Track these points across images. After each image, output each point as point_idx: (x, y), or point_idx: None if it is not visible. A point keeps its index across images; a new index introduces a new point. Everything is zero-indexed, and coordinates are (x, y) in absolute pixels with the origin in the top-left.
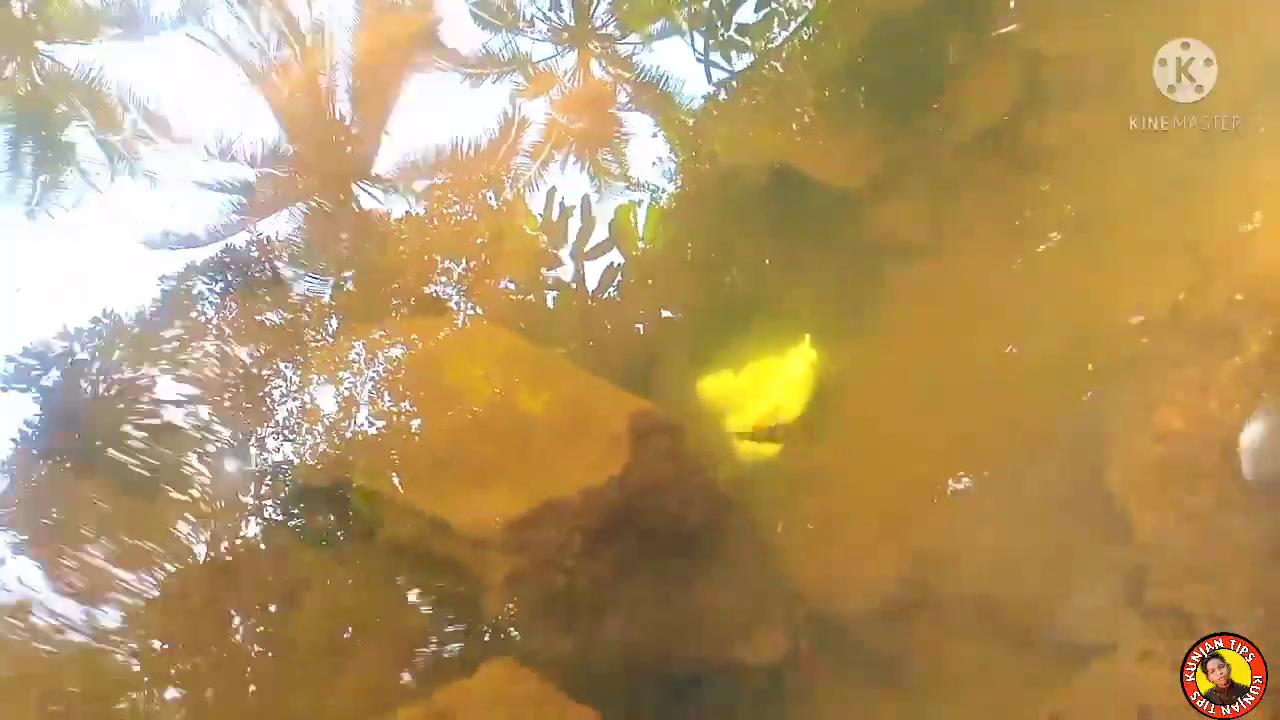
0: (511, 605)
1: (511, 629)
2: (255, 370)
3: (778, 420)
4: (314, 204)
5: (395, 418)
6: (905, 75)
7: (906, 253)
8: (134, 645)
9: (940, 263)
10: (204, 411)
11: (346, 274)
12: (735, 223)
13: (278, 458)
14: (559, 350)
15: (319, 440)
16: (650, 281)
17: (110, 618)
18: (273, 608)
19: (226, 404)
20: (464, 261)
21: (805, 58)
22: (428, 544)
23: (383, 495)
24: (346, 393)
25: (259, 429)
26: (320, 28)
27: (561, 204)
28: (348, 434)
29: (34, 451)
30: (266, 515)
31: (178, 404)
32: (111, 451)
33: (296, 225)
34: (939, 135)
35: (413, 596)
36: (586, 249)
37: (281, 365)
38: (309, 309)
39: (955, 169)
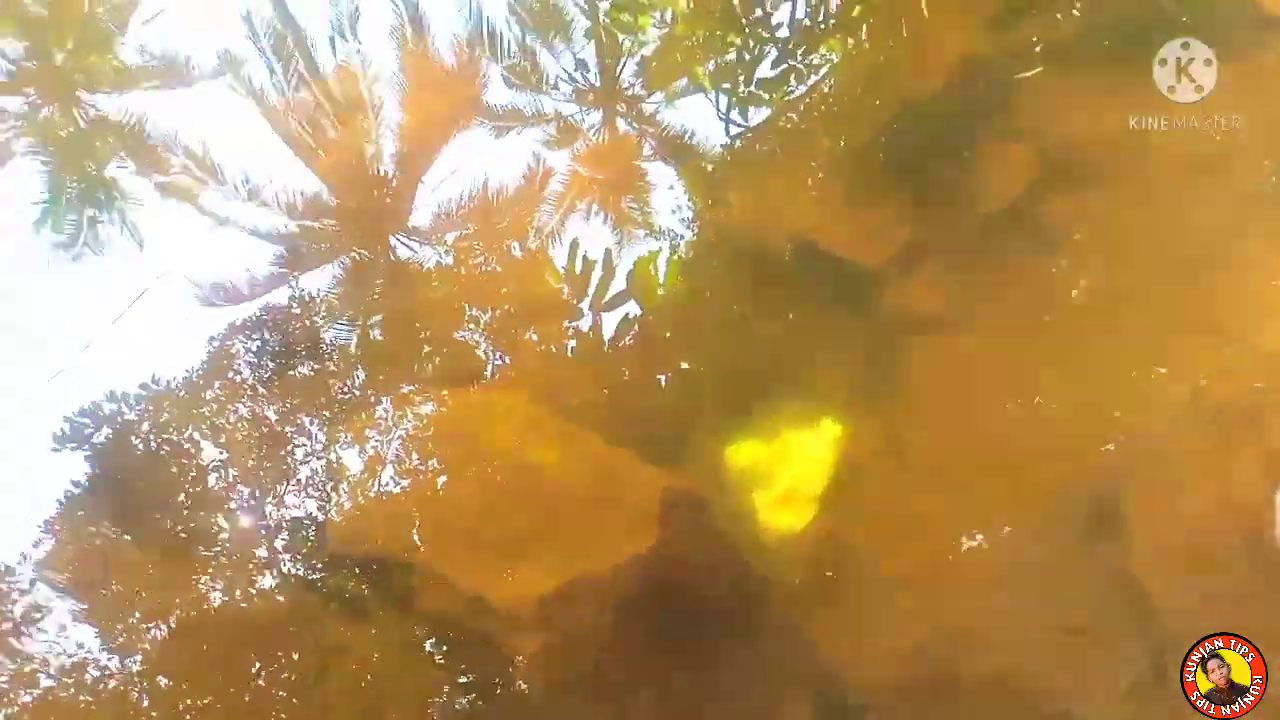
0: (543, 681)
1: (542, 704)
2: (282, 428)
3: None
4: (354, 256)
5: (428, 488)
6: (927, 156)
7: (926, 327)
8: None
9: (960, 338)
10: (240, 472)
11: (373, 319)
12: (759, 295)
13: (310, 520)
14: (586, 406)
15: (353, 503)
16: (668, 334)
17: (142, 668)
18: (300, 674)
19: (264, 465)
20: (491, 311)
21: (822, 108)
22: (462, 617)
23: (419, 567)
24: (374, 453)
25: (300, 491)
26: (365, 90)
27: (584, 256)
28: (384, 500)
29: (82, 513)
30: (305, 579)
31: (214, 465)
32: (156, 515)
33: (335, 278)
34: (960, 213)
35: (444, 668)
36: (607, 300)
37: (308, 423)
38: (339, 362)
39: (976, 246)
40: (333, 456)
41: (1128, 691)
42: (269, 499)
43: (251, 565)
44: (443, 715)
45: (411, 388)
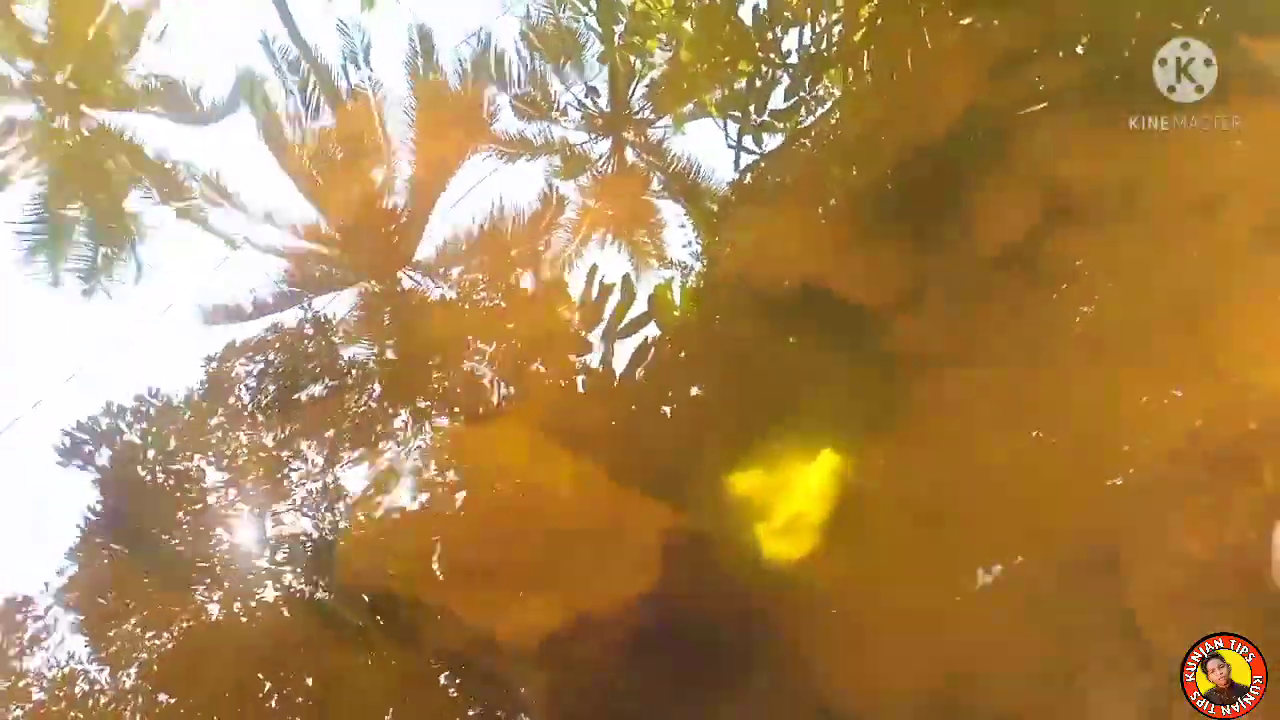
0: (548, 716)
1: None
2: (284, 454)
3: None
4: (364, 288)
5: (434, 520)
6: (930, 195)
7: (928, 362)
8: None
9: (960, 372)
10: (243, 495)
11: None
12: (764, 329)
13: (312, 540)
14: (592, 437)
15: (357, 533)
16: (681, 357)
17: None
18: (307, 697)
19: (262, 487)
20: (496, 344)
21: (830, 140)
22: (468, 653)
23: (424, 600)
24: (384, 487)
25: (300, 515)
26: (376, 120)
27: (601, 282)
28: (388, 532)
29: (96, 540)
30: (311, 602)
31: (219, 488)
32: (163, 537)
33: (349, 308)
34: (962, 251)
35: (452, 699)
36: (618, 329)
37: (309, 449)
38: (354, 383)
39: (978, 284)
40: (331, 479)
41: None
42: (270, 517)
43: (255, 584)
44: None
45: (425, 403)
